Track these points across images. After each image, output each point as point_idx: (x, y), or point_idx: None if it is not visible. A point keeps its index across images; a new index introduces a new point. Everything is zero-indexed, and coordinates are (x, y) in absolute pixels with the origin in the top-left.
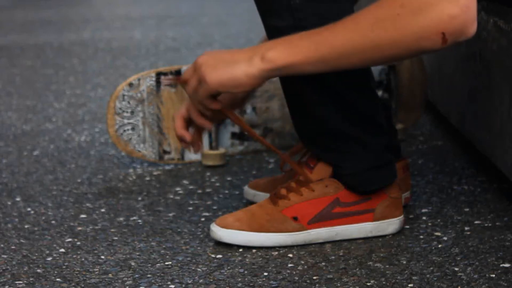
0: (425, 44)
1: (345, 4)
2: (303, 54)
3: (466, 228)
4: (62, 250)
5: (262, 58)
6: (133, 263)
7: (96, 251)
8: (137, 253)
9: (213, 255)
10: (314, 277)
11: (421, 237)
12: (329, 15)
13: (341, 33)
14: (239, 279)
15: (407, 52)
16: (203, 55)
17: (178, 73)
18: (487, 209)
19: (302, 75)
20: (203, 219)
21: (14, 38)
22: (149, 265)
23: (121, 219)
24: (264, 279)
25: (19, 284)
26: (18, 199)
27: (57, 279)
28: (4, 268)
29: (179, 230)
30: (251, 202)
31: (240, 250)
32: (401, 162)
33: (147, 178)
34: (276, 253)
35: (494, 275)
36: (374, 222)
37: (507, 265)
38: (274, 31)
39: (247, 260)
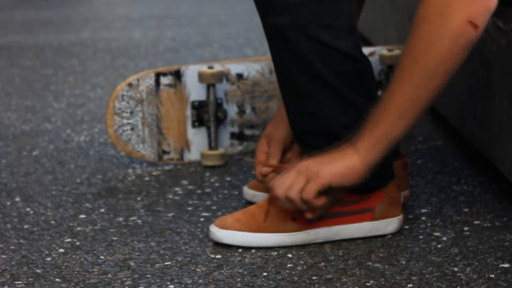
0: (462, 41)
1: (343, 3)
2: (390, 133)
3: (466, 228)
4: (62, 250)
5: (363, 158)
6: (132, 263)
7: (95, 251)
8: (137, 253)
9: (212, 255)
10: (314, 277)
11: (421, 237)
12: (327, 14)
13: (399, 89)
14: (238, 279)
15: (454, 59)
16: (301, 163)
17: (177, 73)
18: (486, 209)
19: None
20: (202, 219)
21: (14, 38)
22: (149, 265)
23: (121, 219)
24: (263, 279)
25: (19, 284)
26: (17, 199)
27: (57, 279)
28: (3, 268)
29: (178, 230)
30: (250, 203)
31: (239, 250)
32: (399, 160)
33: (147, 178)
34: (275, 253)
35: (493, 275)
36: (373, 222)
37: (506, 265)
38: (272, 30)
39: (246, 260)
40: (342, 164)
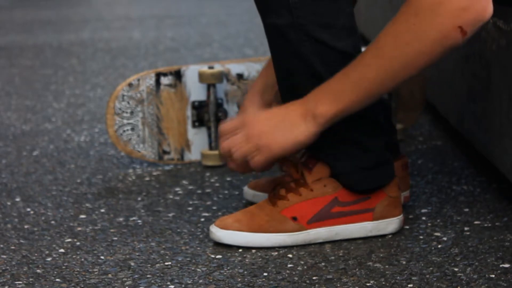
0: (447, 43)
1: (343, 3)
2: (348, 97)
3: (466, 228)
4: (62, 250)
5: (314, 116)
6: (132, 264)
7: (95, 252)
8: (137, 254)
9: (212, 256)
10: (314, 278)
11: (421, 237)
12: (327, 14)
13: (371, 64)
14: (239, 280)
15: (433, 56)
16: (253, 125)
17: (177, 73)
18: (486, 209)
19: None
20: (202, 219)
21: (13, 38)
22: (149, 265)
23: (121, 219)
24: (263, 279)
25: (19, 284)
26: (17, 199)
27: (57, 280)
28: (3, 268)
29: (178, 230)
30: (250, 203)
31: (240, 250)
32: (399, 160)
33: (147, 178)
34: (276, 253)
35: (493, 276)
36: (373, 222)
37: (506, 265)
38: (272, 29)
39: (246, 260)
40: (295, 137)
